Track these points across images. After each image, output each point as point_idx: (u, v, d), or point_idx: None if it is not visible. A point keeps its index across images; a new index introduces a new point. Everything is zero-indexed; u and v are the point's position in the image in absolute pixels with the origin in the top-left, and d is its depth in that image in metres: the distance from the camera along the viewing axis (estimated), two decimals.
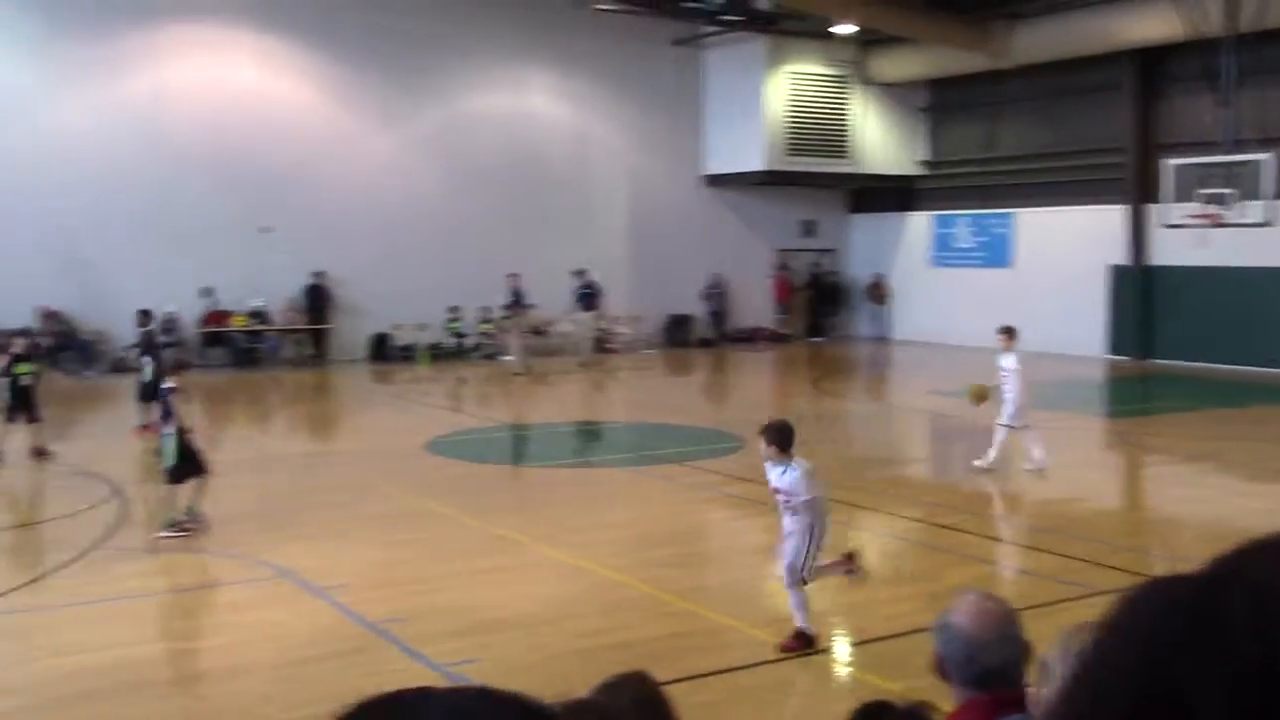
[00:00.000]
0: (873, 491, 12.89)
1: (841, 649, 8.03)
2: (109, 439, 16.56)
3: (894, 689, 6.45)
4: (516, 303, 25.74)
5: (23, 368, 14.95)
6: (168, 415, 10.95)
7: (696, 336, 31.35)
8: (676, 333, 31.16)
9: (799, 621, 7.76)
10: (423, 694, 0.96)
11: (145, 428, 15.61)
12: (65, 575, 9.54)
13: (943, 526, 11.46)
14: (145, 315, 17.87)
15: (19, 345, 15.29)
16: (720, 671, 7.34)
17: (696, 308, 31.55)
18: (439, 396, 22.40)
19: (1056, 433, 15.36)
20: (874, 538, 11.38)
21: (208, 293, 25.66)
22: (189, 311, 25.48)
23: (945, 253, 31.51)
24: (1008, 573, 10.26)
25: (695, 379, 26.93)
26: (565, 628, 8.15)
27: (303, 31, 26.39)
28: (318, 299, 26.73)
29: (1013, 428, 13.83)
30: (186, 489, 10.88)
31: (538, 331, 27.80)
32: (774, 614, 8.88)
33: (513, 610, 8.57)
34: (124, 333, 24.98)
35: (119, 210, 24.63)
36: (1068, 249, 28.08)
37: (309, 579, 9.25)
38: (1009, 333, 14.05)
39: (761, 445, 7.79)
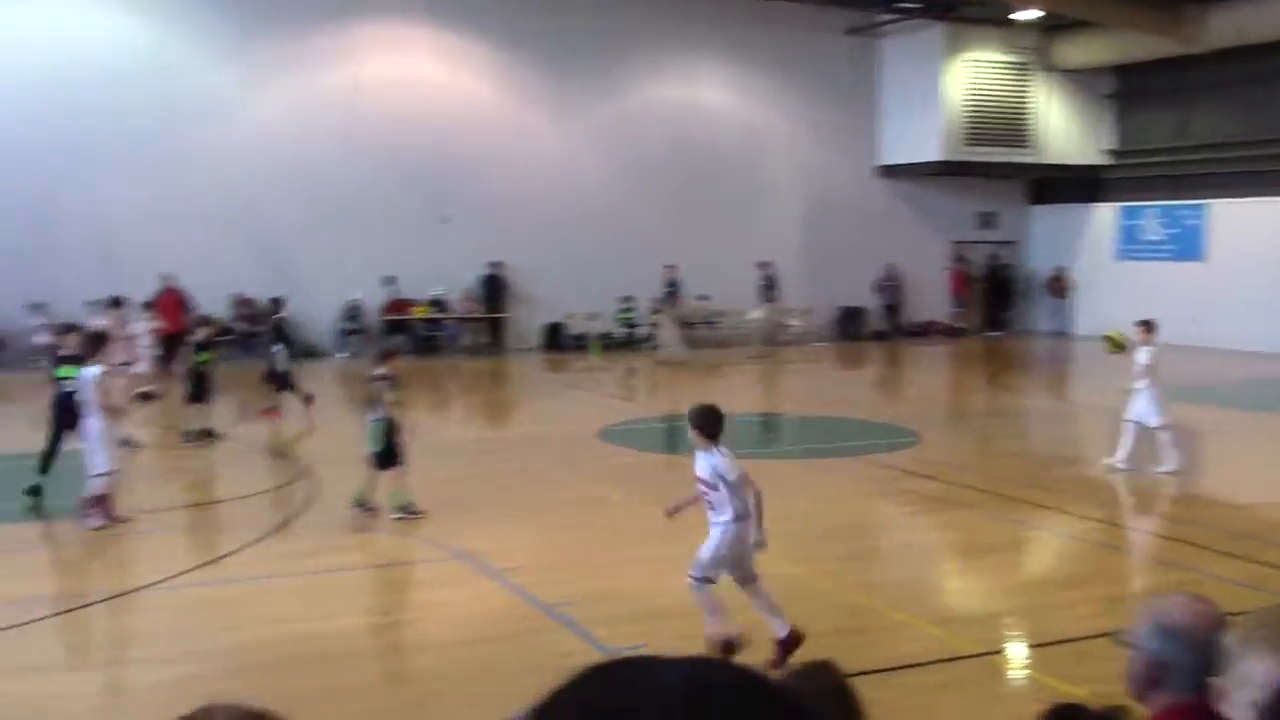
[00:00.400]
0: (1053, 490, 12.53)
1: (1018, 650, 7.84)
2: (299, 419, 17.21)
3: (1077, 693, 6.27)
4: (672, 293, 25.87)
5: (203, 355, 15.67)
6: (375, 402, 11.16)
7: (869, 330, 30.93)
8: (848, 326, 30.80)
9: (711, 627, 7.31)
10: (654, 659, 0.97)
11: (271, 410, 16.49)
12: (259, 550, 10.00)
13: (1126, 528, 11.07)
14: (276, 303, 18.32)
15: (200, 333, 16.03)
16: (895, 668, 7.25)
17: (869, 301, 31.13)
18: (611, 385, 22.65)
19: (1249, 434, 14.66)
20: (1053, 538, 11.08)
21: (389, 281, 26.48)
22: (372, 300, 26.37)
23: (1132, 245, 30.35)
24: (1198, 579, 9.84)
25: (868, 373, 26.58)
26: (736, 618, 8.15)
27: (483, 30, 26.99)
28: (494, 289, 27.33)
29: (1143, 425, 13.23)
30: (390, 476, 11.08)
31: (698, 323, 27.87)
32: (950, 611, 8.73)
33: (684, 598, 8.60)
34: (314, 319, 26.10)
35: (309, 201, 25.64)
36: (1264, 242, 26.73)
37: (486, 561, 9.48)
38: (1147, 326, 13.52)
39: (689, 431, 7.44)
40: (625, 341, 28.05)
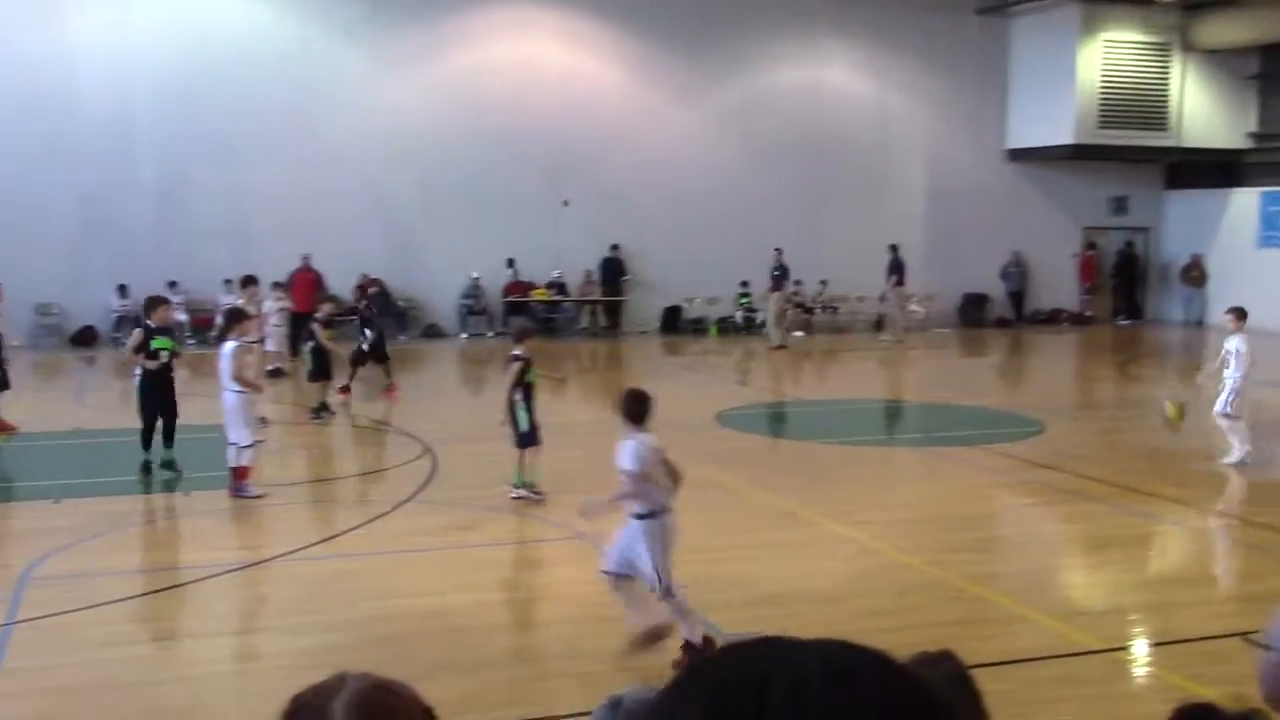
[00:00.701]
0: (1184, 484, 12.19)
1: (1142, 648, 7.67)
2: (420, 400, 17.57)
3: (1206, 694, 6.11)
4: (780, 276, 25.67)
5: (328, 333, 16.07)
6: (516, 383, 11.19)
7: (993, 316, 30.37)
8: (972, 312, 30.28)
9: (683, 633, 7.03)
10: (788, 638, 0.99)
11: (345, 389, 16.56)
12: (382, 525, 10.26)
13: (1261, 525, 10.72)
14: (365, 287, 18.80)
15: (323, 311, 16.40)
16: (1013, 661, 7.15)
17: (994, 287, 30.56)
18: (728, 370, 22.64)
19: None
20: (1182, 533, 10.79)
21: (510, 263, 26.83)
22: (493, 281, 26.74)
23: (1274, 232, 29.24)
24: None
25: (991, 360, 26.10)
26: (852, 606, 8.13)
27: (608, 12, 27.11)
28: (613, 271, 27.49)
29: (1229, 415, 12.88)
30: (527, 455, 11.23)
31: (815, 308, 27.63)
32: (1072, 605, 8.57)
33: (799, 585, 8.62)
34: (437, 300, 26.60)
35: (434, 184, 26.10)
36: None
37: (603, 542, 9.57)
38: (1239, 314, 13.13)
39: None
40: (744, 326, 28.00)
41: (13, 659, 7.14)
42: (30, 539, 9.82)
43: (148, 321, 12.31)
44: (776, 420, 16.61)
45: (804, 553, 9.58)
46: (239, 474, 11.23)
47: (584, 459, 12.91)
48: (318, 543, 9.75)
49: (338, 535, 9.94)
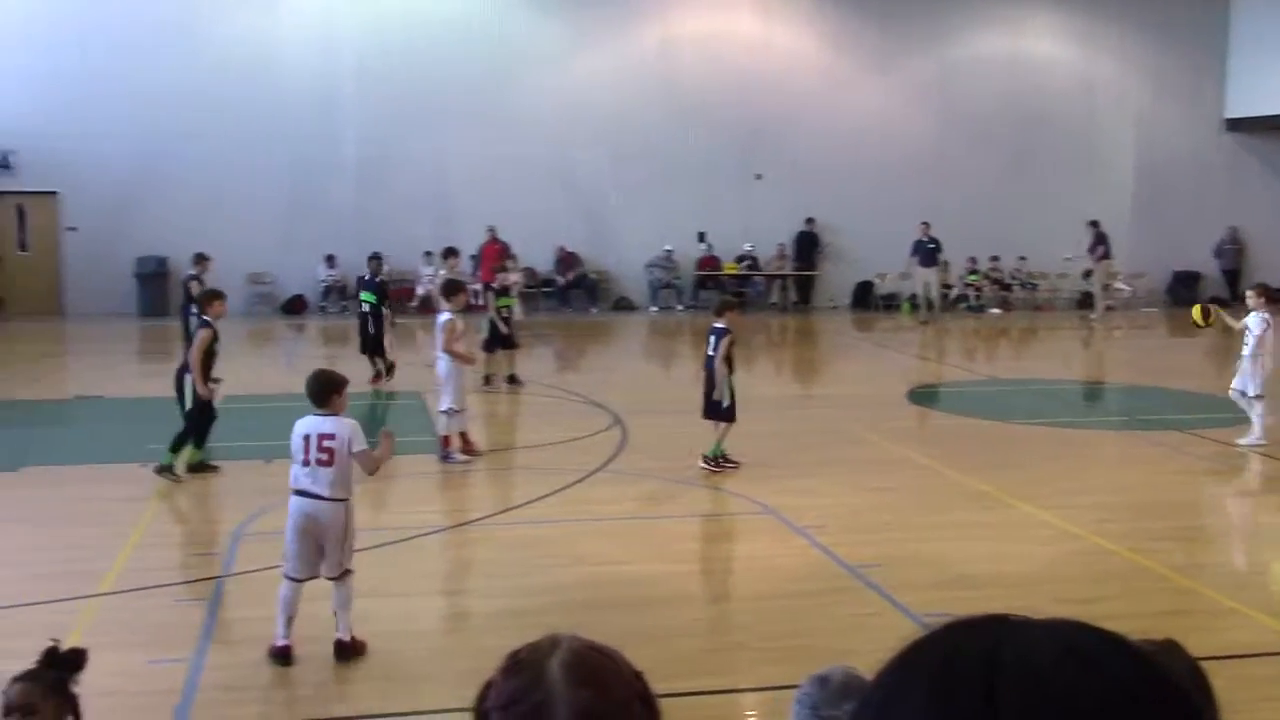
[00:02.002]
0: None
1: None
2: (611, 372, 17.81)
3: None
4: (933, 250, 24.89)
5: (504, 300, 16.26)
6: (712, 357, 11.22)
7: (1206, 296, 28.89)
8: (1182, 291, 28.89)
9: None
10: (1018, 616, 0.96)
11: (378, 377, 15.72)
12: (575, 493, 10.46)
13: None
14: (377, 260, 17.03)
15: (500, 280, 16.63)
16: (1223, 657, 6.83)
17: (1207, 265, 29.09)
18: (921, 347, 22.21)
19: None
20: None
21: (701, 237, 26.88)
22: (685, 255, 26.83)
23: None
24: None
25: (1201, 341, 24.87)
26: (1049, 591, 7.90)
27: None
28: (805, 246, 27.25)
29: (1245, 394, 12.42)
30: (715, 426, 11.28)
31: (1014, 284, 26.79)
32: None
33: (993, 567, 8.43)
34: (628, 273, 26.87)
35: (628, 156, 26.32)
36: None
37: (790, 517, 9.56)
38: (1262, 290, 12.75)
39: None
40: (939, 302, 27.41)
41: (227, 609, 7.57)
42: (243, 497, 10.37)
43: (206, 317, 11.06)
44: (970, 399, 16.22)
45: (998, 535, 9.35)
46: (446, 441, 11.61)
47: (774, 434, 12.89)
48: (513, 508, 10.01)
49: (532, 502, 10.18)
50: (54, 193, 24.50)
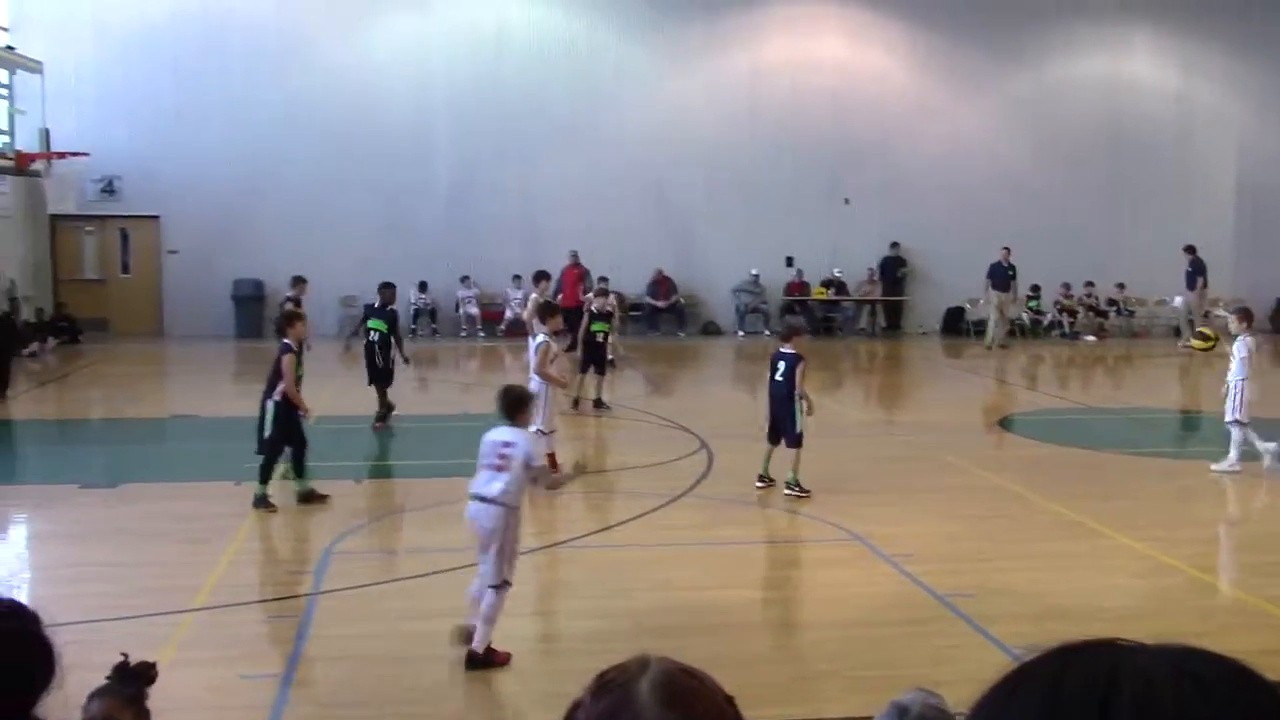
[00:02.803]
0: None
1: None
2: (698, 396, 17.79)
3: None
4: (1010, 276, 24.48)
5: (598, 325, 16.29)
6: (780, 382, 11.20)
7: None
8: None
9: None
10: (1130, 642, 0.92)
11: (382, 420, 14.56)
12: (660, 517, 10.44)
13: None
14: (389, 289, 15.40)
15: (597, 304, 16.70)
16: None
17: None
18: (1014, 373, 21.87)
19: None
20: None
21: (789, 262, 26.80)
22: (771, 280, 26.75)
23: None
24: None
25: None
26: (1148, 626, 7.69)
27: (892, 3, 26.67)
28: (893, 271, 27.02)
29: (1236, 422, 12.43)
30: (787, 452, 11.25)
31: (1109, 311, 26.28)
32: None
33: (1087, 600, 8.23)
34: (715, 297, 26.88)
35: (716, 180, 26.38)
36: None
37: (878, 544, 9.44)
38: (1243, 315, 12.98)
39: None
40: (1031, 328, 26.98)
41: (317, 626, 7.66)
42: (333, 515, 10.52)
43: (286, 340, 10.81)
44: (1064, 427, 15.91)
45: (1093, 566, 9.14)
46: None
47: (861, 459, 12.76)
48: (598, 531, 10.02)
49: (617, 525, 10.18)
50: (156, 217, 25.20)
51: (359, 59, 25.38)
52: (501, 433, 6.94)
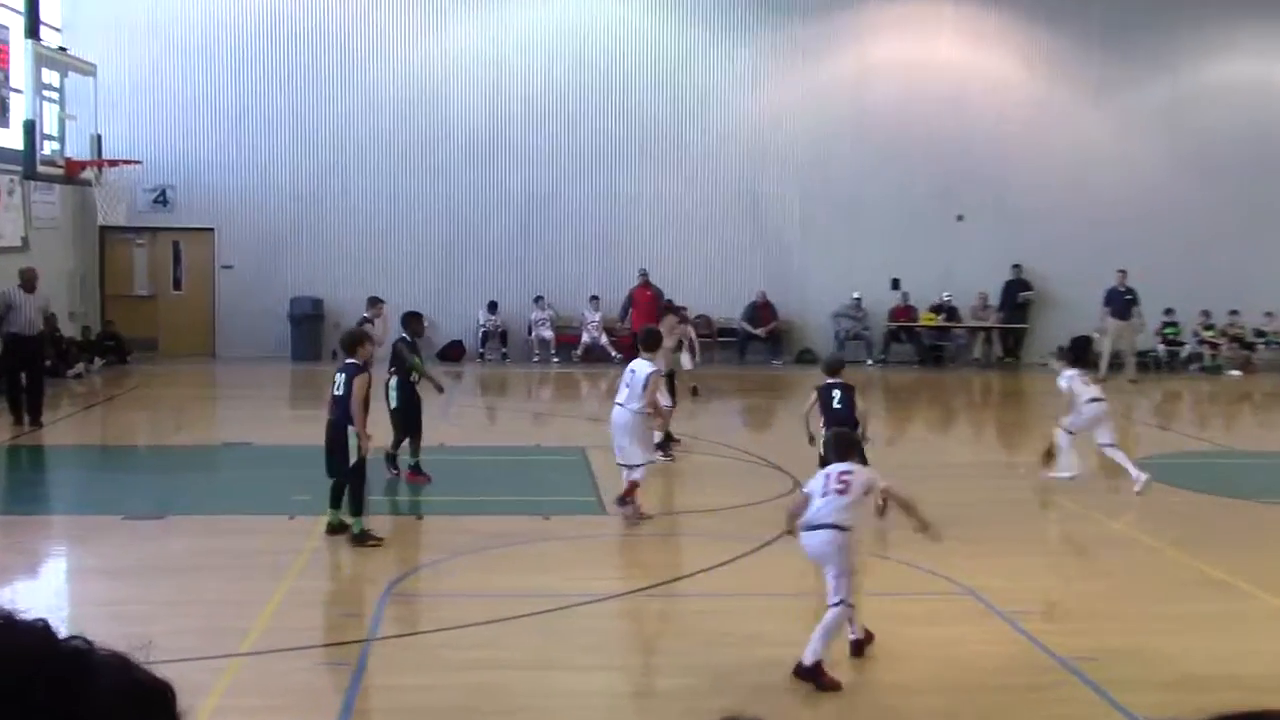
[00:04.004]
0: None
1: None
2: (792, 431, 17.64)
3: None
4: (1130, 301, 23.96)
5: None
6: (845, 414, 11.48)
7: None
8: None
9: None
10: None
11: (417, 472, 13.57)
12: (750, 563, 10.38)
13: None
14: (415, 320, 14.12)
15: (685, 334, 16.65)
16: None
17: None
18: (1145, 411, 21.45)
19: None
20: None
21: (895, 284, 26.58)
22: (876, 303, 26.54)
23: None
24: None
25: None
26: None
27: (1012, 1, 26.45)
28: (1014, 295, 26.67)
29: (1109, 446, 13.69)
30: None
31: (1252, 344, 25.68)
32: None
33: (1228, 667, 8.01)
34: (812, 321, 26.73)
35: (815, 195, 26.33)
36: None
37: (991, 599, 9.29)
38: (1060, 352, 14.55)
39: None
40: (1166, 361, 26.47)
41: (371, 675, 7.72)
42: (392, 554, 10.60)
43: (351, 360, 10.91)
44: (1205, 472, 15.55)
45: (1236, 630, 8.91)
46: (628, 490, 11.74)
47: (975, 505, 12.58)
48: (681, 578, 9.99)
49: (702, 572, 10.13)
50: (210, 229, 25.72)
51: (430, 64, 25.73)
52: (842, 467, 8.08)
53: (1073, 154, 26.63)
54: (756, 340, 26.32)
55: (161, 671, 1.40)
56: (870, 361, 26.25)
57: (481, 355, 25.64)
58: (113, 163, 22.36)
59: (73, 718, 1.36)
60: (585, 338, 25.39)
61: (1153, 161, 26.76)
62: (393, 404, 13.33)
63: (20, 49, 20.04)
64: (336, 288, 24.90)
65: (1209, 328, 26.49)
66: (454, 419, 18.28)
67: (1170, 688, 7.61)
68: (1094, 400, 13.69)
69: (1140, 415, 20.95)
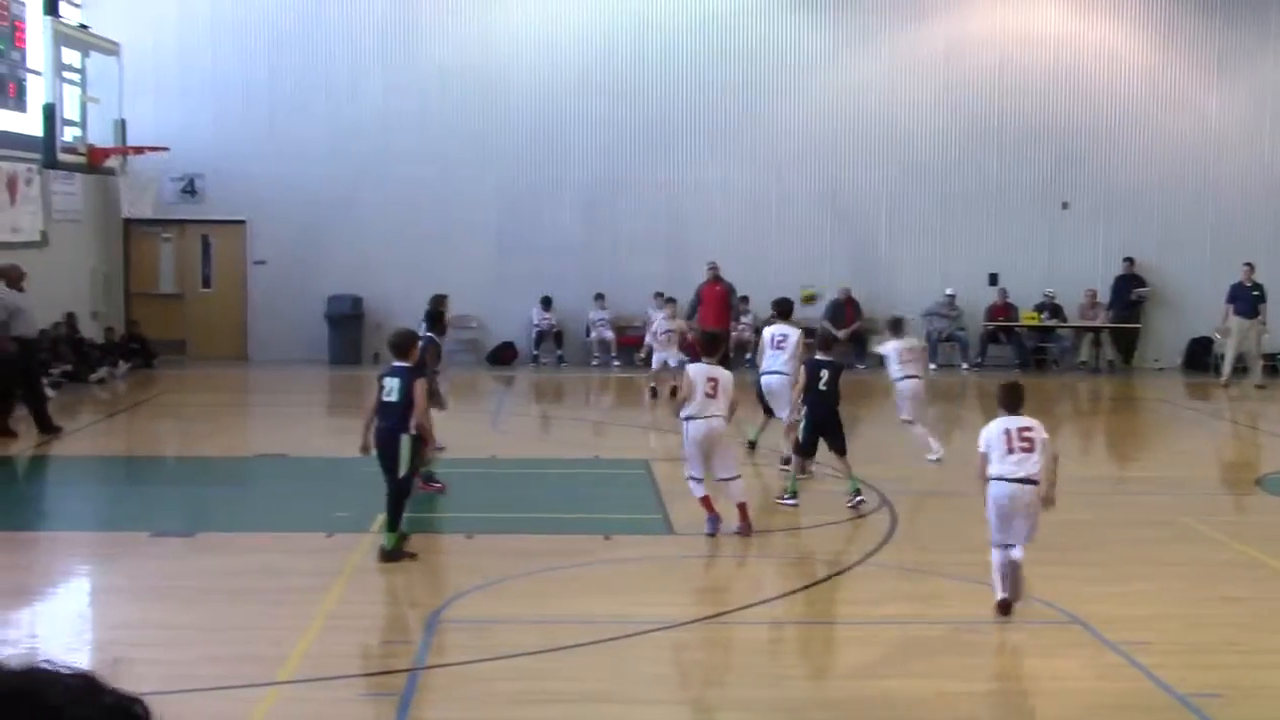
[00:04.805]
0: None
1: None
2: (878, 443, 17.58)
3: None
4: (1259, 297, 23.56)
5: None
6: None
7: None
8: None
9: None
10: None
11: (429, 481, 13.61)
12: (829, 588, 10.34)
13: None
14: (439, 318, 15.30)
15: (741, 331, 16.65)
16: None
17: None
18: (1273, 420, 21.14)
19: None
20: None
21: (992, 280, 26.38)
22: (973, 301, 26.34)
23: None
24: None
25: None
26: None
27: None
28: (1125, 293, 26.38)
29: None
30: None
31: None
32: None
33: None
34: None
35: (903, 181, 26.20)
36: None
37: (1102, 629, 9.20)
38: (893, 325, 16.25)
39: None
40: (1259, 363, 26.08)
41: (418, 707, 7.76)
42: (441, 576, 10.68)
43: (403, 363, 11.12)
44: None
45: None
46: (744, 512, 11.93)
47: (1082, 524, 12.46)
48: (755, 604, 9.97)
49: (778, 597, 10.11)
50: (241, 222, 26.00)
51: (480, 45, 25.84)
52: (1014, 421, 9.49)
53: (1192, 135, 26.30)
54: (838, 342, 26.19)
55: (194, 703, 1.41)
56: (966, 365, 26.06)
57: (535, 358, 25.72)
58: (139, 150, 22.59)
59: None
60: (649, 339, 25.36)
61: None
62: None
63: (38, 27, 20.34)
64: (377, 285, 25.06)
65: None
66: (505, 428, 18.37)
67: None
68: (906, 379, 15.58)
69: (1268, 424, 20.65)
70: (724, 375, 11.97)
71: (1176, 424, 21.55)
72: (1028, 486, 9.27)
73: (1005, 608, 9.37)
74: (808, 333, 15.69)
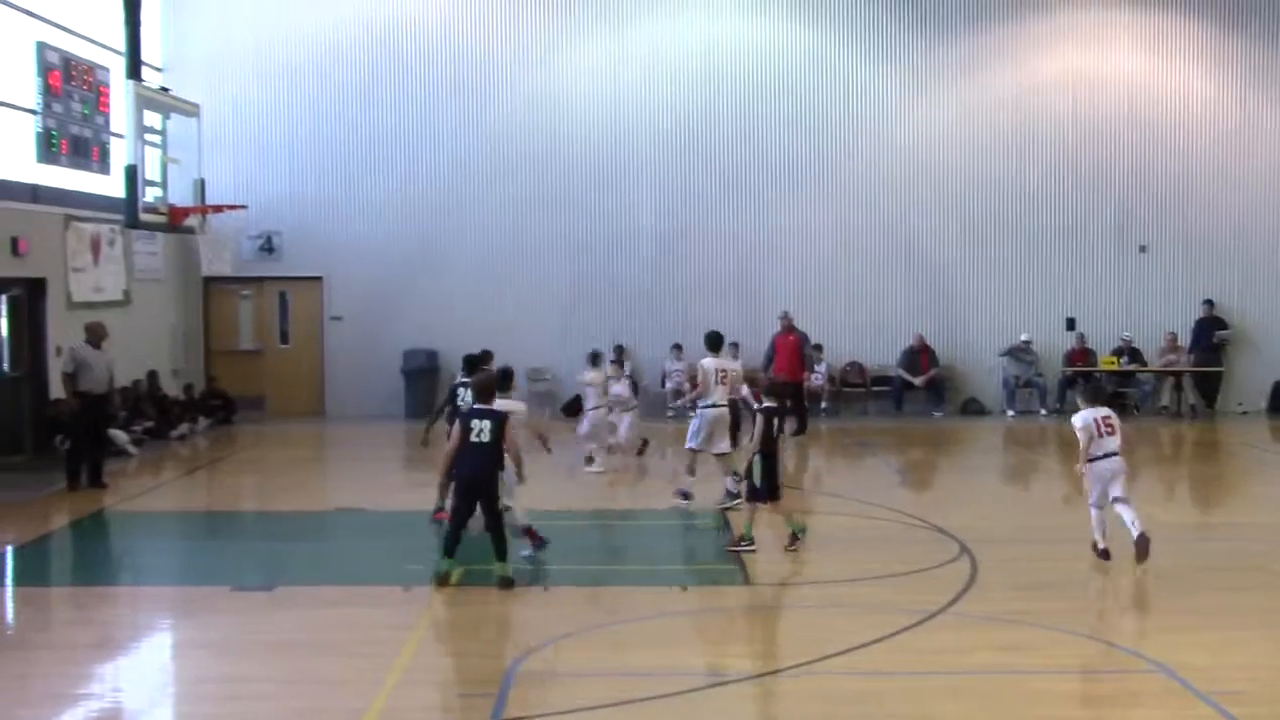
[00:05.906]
0: None
1: None
2: (957, 491, 17.43)
3: None
4: None
5: None
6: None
7: None
8: None
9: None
10: None
11: (440, 511, 14.26)
12: (913, 638, 10.20)
13: None
14: (478, 362, 16.12)
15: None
16: None
17: None
18: None
19: None
20: None
21: (1070, 324, 26.15)
22: (1050, 346, 26.12)
23: None
24: None
25: None
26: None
27: (1199, 6, 26.01)
28: (1207, 335, 26.04)
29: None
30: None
31: None
32: None
33: None
34: (977, 367, 26.38)
35: (976, 225, 26.15)
36: None
37: (1192, 679, 9.00)
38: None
39: None
40: None
41: None
42: (517, 629, 10.65)
43: (486, 405, 11.96)
44: None
45: None
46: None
47: (1169, 571, 12.26)
48: (833, 655, 9.84)
49: (857, 648, 9.99)
50: (318, 278, 26.32)
51: (549, 96, 26.10)
52: (1103, 410, 12.41)
53: (1271, 174, 26.01)
54: (914, 389, 26.03)
55: None
56: (1044, 411, 25.78)
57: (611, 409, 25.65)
58: (218, 208, 22.98)
59: None
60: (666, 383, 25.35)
61: None
62: None
63: (121, 91, 20.76)
64: (453, 338, 25.22)
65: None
66: (579, 482, 18.37)
67: None
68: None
69: None
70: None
71: (1263, 468, 21.16)
72: (1117, 457, 12.27)
73: (1106, 554, 12.15)
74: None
